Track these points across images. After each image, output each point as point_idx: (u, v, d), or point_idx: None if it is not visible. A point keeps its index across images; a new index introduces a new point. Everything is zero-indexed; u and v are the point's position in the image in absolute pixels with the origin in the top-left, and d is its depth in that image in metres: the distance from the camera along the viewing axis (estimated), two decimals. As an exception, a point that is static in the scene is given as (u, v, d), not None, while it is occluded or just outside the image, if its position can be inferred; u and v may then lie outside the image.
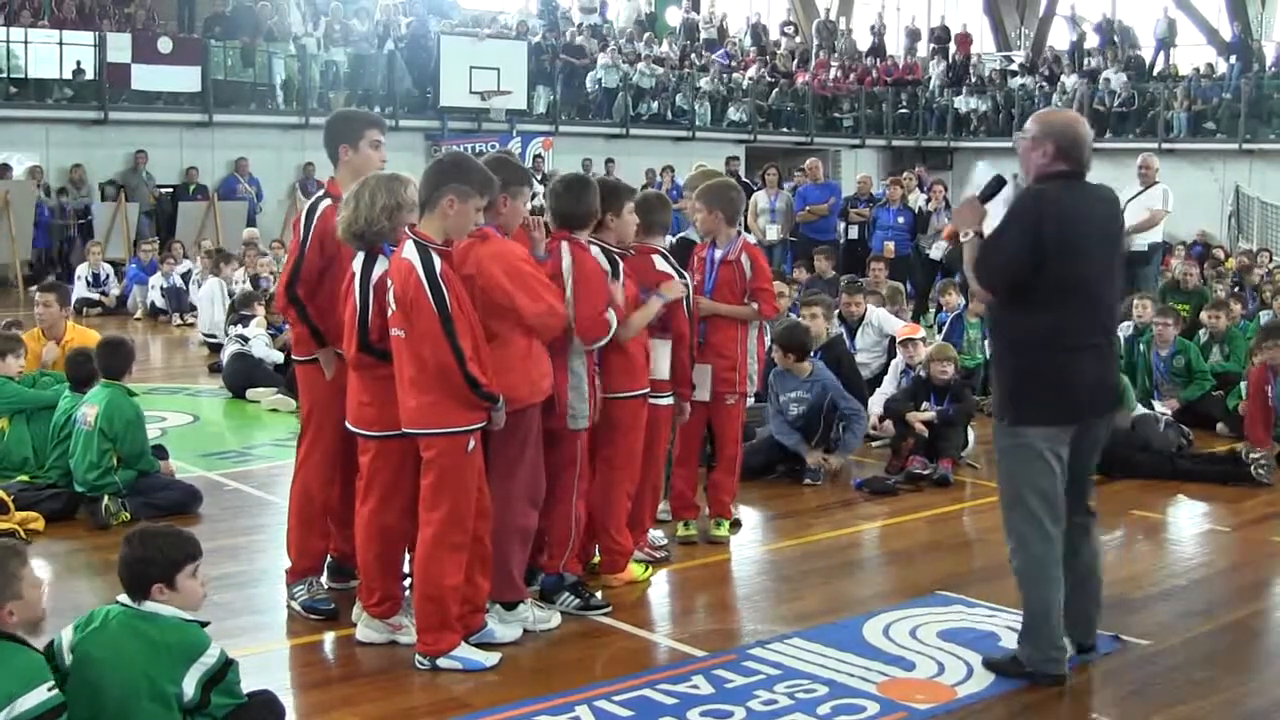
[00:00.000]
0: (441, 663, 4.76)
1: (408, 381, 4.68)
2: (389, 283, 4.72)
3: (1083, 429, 4.73)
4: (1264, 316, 12.46)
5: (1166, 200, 12.72)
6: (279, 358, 10.57)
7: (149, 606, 3.75)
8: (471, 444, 4.71)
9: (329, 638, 5.09)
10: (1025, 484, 4.69)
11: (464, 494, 4.71)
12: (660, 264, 5.80)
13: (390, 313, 4.71)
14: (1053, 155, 4.65)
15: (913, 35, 32.52)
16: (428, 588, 4.74)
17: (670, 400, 5.93)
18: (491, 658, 4.83)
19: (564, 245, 5.32)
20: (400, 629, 5.02)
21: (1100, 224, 4.69)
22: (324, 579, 5.53)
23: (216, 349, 12.23)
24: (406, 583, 5.17)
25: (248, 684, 3.98)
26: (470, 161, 4.95)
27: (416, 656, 4.81)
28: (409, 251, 4.65)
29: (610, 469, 5.63)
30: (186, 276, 15.89)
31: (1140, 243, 12.68)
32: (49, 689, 3.52)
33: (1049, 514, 4.68)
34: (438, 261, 4.61)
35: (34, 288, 9.94)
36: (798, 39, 31.52)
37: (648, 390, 5.65)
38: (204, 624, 3.85)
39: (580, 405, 5.26)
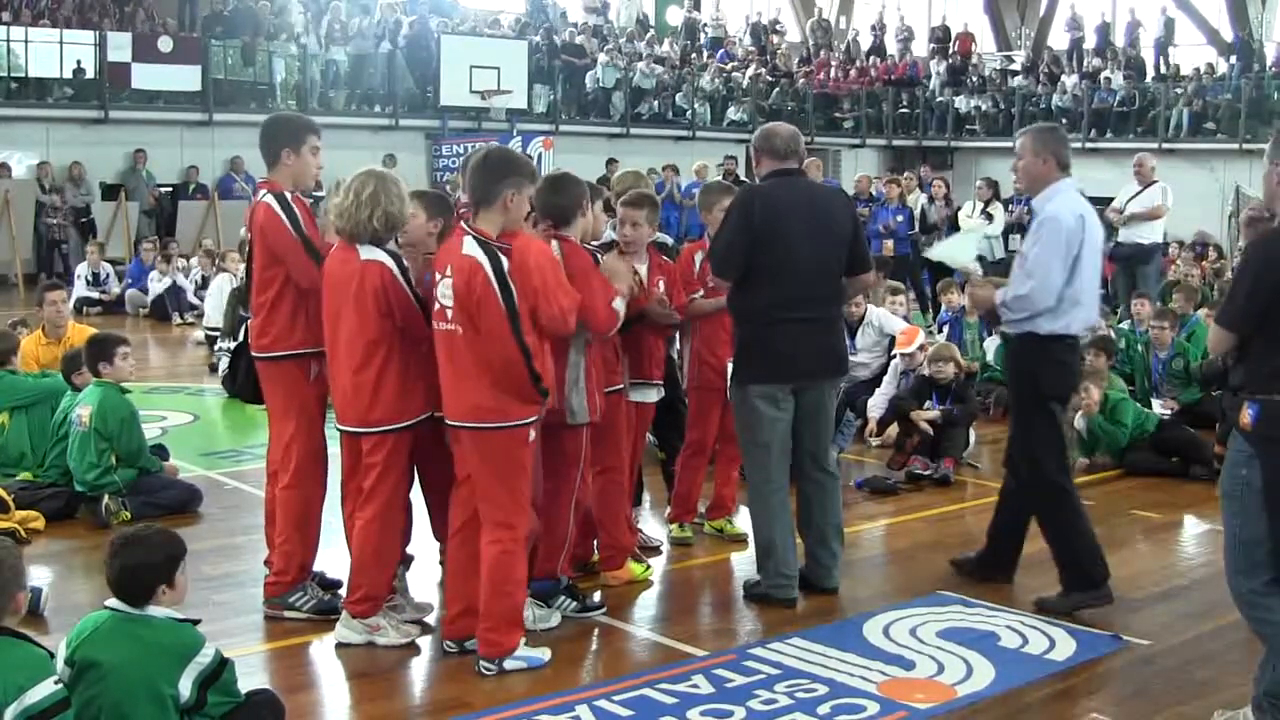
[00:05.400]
0: (508, 664, 4.70)
1: (467, 378, 4.61)
2: (439, 277, 4.67)
3: (805, 392, 5.50)
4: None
5: (1166, 197, 12.80)
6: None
7: (142, 609, 3.74)
8: (532, 435, 4.71)
9: (330, 637, 5.08)
10: (751, 436, 5.54)
11: (528, 485, 4.71)
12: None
13: (438, 307, 4.67)
14: (758, 159, 5.58)
15: (913, 35, 32.49)
16: (504, 584, 4.67)
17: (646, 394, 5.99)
18: (546, 653, 4.82)
19: (554, 243, 5.29)
20: (378, 630, 5.01)
21: (809, 213, 5.42)
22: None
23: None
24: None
25: (248, 683, 3.99)
26: (514, 153, 5.08)
27: (481, 662, 4.72)
28: (472, 249, 4.58)
29: (602, 468, 5.64)
30: (186, 275, 15.87)
31: (1141, 238, 12.71)
32: (54, 682, 3.54)
33: (771, 461, 5.48)
34: (505, 261, 4.59)
35: (40, 285, 9.89)
36: (788, 38, 31.47)
37: (622, 386, 5.69)
38: (195, 622, 3.84)
39: (578, 400, 5.24)
